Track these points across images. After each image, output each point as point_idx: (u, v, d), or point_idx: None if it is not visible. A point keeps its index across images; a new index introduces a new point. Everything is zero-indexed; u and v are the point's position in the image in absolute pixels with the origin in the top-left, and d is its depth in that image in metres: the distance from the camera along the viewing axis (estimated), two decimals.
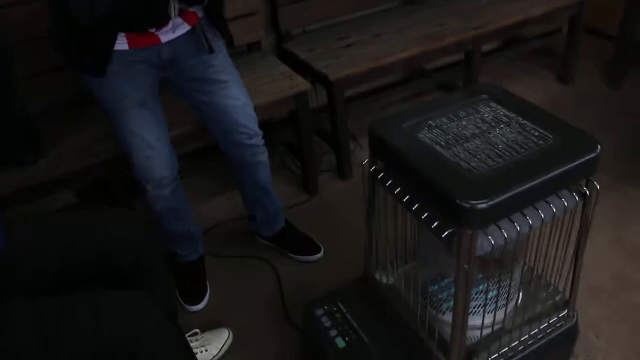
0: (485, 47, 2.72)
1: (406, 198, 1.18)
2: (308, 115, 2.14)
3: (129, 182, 2.02)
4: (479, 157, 1.16)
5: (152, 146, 1.60)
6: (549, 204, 1.13)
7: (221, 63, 1.69)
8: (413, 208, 1.16)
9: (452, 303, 1.22)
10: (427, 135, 1.24)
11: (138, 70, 1.58)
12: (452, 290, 1.22)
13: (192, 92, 1.70)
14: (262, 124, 1.85)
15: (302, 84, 2.08)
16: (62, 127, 2.00)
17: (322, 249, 2.02)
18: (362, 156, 2.48)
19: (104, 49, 1.50)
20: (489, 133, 1.24)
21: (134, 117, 1.59)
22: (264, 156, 1.83)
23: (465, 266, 1.09)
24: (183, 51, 1.61)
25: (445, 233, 1.08)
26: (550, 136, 1.20)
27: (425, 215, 1.13)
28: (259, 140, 1.78)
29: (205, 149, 2.24)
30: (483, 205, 1.03)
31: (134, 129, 1.59)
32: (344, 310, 1.51)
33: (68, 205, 2.30)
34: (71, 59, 1.62)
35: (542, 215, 1.12)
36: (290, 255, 2.03)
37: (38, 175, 1.81)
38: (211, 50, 1.62)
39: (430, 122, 1.28)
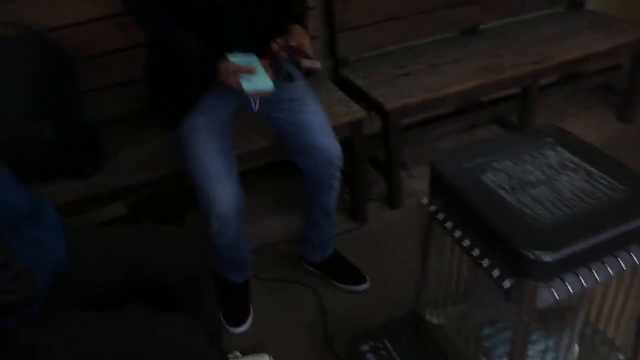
0: (543, 81, 2.66)
1: (466, 242, 1.16)
2: (362, 143, 2.13)
3: (182, 196, 2.06)
4: (544, 205, 1.12)
5: (220, 183, 1.61)
6: (617, 259, 1.09)
7: (300, 85, 1.74)
8: (473, 254, 1.13)
9: (505, 349, 1.18)
10: (491, 179, 1.21)
11: (216, 106, 1.66)
12: (507, 336, 1.18)
13: (271, 112, 1.73)
14: None
15: (358, 111, 2.07)
16: (123, 140, 2.04)
17: (368, 280, 1.99)
18: (413, 186, 2.46)
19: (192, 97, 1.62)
20: (556, 180, 1.20)
21: (207, 152, 1.63)
22: (338, 180, 1.82)
23: (526, 319, 1.05)
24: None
25: (508, 285, 1.04)
26: (620, 187, 1.16)
27: (485, 263, 1.10)
28: (338, 161, 1.76)
29: (264, 168, 2.26)
30: (549, 258, 1.00)
31: (205, 165, 1.62)
32: (391, 349, 1.48)
33: (119, 216, 2.34)
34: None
35: (610, 271, 1.07)
36: (336, 283, 2.01)
37: (97, 187, 1.85)
38: (292, 79, 1.67)
39: (494, 164, 1.25)
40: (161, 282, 1.35)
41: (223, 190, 1.60)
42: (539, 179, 1.20)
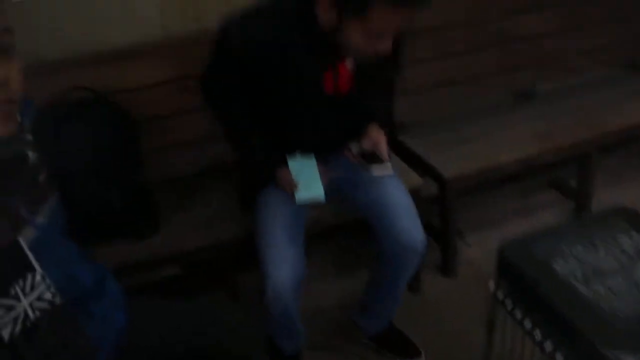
0: None
1: (536, 334, 1.11)
2: (419, 210, 2.10)
3: (237, 259, 2.06)
4: (622, 297, 1.08)
5: (283, 258, 1.60)
6: None
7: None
8: (544, 347, 1.08)
9: None
10: (562, 266, 1.17)
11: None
12: None
13: (349, 191, 1.74)
14: None
15: (415, 179, 2.06)
16: (180, 202, 2.07)
17: (423, 354, 1.94)
18: (467, 254, 2.40)
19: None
20: (632, 269, 1.15)
21: (275, 225, 1.64)
22: (416, 265, 1.77)
23: None
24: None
25: None
26: None
27: (558, 358, 1.05)
28: (422, 247, 1.70)
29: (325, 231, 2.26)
30: (631, 358, 0.95)
31: (271, 237, 1.63)
32: None
33: (171, 276, 2.35)
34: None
35: None
36: (390, 356, 1.96)
37: (153, 249, 1.86)
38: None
39: (564, 249, 1.21)
40: (218, 354, 1.34)
41: (284, 265, 1.59)
42: (614, 268, 1.16)
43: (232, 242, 1.90)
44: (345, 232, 2.03)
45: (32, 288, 0.92)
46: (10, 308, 0.87)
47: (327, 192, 1.64)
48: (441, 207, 2.20)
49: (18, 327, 0.87)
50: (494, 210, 2.68)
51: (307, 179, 1.58)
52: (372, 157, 1.56)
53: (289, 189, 1.60)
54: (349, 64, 1.57)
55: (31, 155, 1.02)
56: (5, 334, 0.85)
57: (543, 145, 2.29)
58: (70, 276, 1.11)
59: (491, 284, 1.26)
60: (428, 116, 2.50)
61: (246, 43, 1.50)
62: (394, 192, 1.72)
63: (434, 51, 2.39)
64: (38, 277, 0.93)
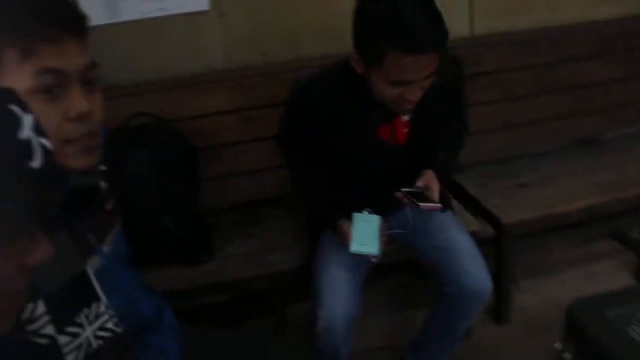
0: None
1: None
2: None
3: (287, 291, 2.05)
4: None
5: (340, 296, 1.61)
6: None
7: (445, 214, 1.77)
8: None
9: None
10: (638, 332, 1.10)
11: None
12: None
13: (416, 239, 1.75)
14: None
15: (471, 222, 2.01)
16: (236, 230, 2.08)
17: None
18: (520, 301, 2.32)
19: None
20: None
21: (338, 262, 1.67)
22: (479, 311, 1.75)
23: None
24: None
25: None
26: None
27: None
28: (487, 293, 1.69)
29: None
30: None
31: (330, 275, 1.65)
32: None
33: (217, 302, 2.35)
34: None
35: None
36: None
37: (206, 277, 1.88)
38: (445, 209, 1.70)
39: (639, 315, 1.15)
40: None
41: (340, 297, 1.60)
42: None
43: (286, 274, 1.90)
44: (400, 270, 2.00)
45: (97, 317, 0.93)
46: (75, 336, 0.88)
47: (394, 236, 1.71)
48: (497, 252, 2.14)
49: (81, 356, 0.88)
50: (549, 256, 2.60)
51: (367, 235, 1.61)
52: (422, 198, 1.59)
53: (345, 240, 1.62)
54: (404, 117, 1.61)
55: (102, 185, 1.03)
56: None
57: (607, 195, 2.21)
58: (130, 304, 1.12)
59: (558, 345, 1.20)
60: (487, 158, 2.45)
61: (311, 101, 1.59)
62: (460, 238, 1.73)
63: (497, 93, 2.36)
64: (102, 307, 0.94)
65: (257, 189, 2.19)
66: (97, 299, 0.94)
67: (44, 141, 0.56)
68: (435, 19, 1.36)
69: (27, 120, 0.55)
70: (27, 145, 0.54)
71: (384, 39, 1.34)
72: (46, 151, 0.56)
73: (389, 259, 1.92)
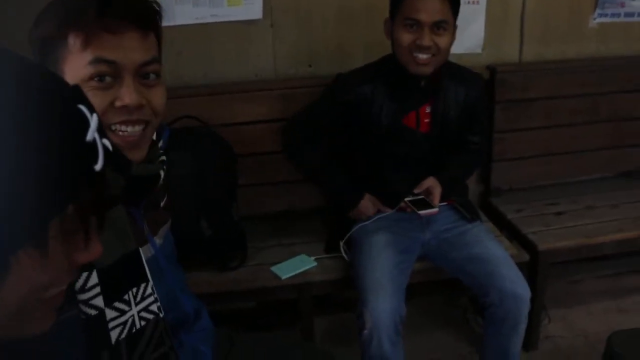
0: None
1: None
2: None
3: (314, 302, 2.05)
4: None
5: (385, 295, 1.64)
6: None
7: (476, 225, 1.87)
8: None
9: None
10: None
11: (402, 227, 1.86)
12: None
13: (450, 252, 1.81)
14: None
15: (508, 248, 1.99)
16: (269, 239, 2.10)
17: None
18: (549, 330, 2.29)
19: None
20: None
21: (380, 259, 1.73)
22: (524, 323, 1.76)
23: None
24: (443, 215, 1.88)
25: None
26: None
27: None
28: (527, 296, 1.71)
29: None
30: None
31: (373, 273, 1.69)
32: None
33: (244, 308, 2.37)
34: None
35: None
36: None
37: (237, 282, 1.89)
38: (472, 219, 1.84)
39: None
40: None
41: (385, 295, 1.63)
42: None
43: (316, 283, 1.90)
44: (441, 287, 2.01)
45: (143, 298, 0.94)
46: (122, 312, 0.89)
47: (428, 247, 1.87)
48: (531, 277, 2.11)
49: (125, 332, 0.89)
50: (580, 286, 2.57)
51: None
52: (423, 204, 1.77)
53: (370, 212, 1.86)
54: (428, 108, 1.84)
55: (162, 176, 1.05)
56: (113, 336, 0.87)
57: None
58: (173, 300, 1.14)
59: None
60: (527, 184, 2.45)
61: (349, 85, 1.83)
62: (493, 247, 1.79)
63: (542, 120, 2.35)
64: (149, 289, 0.95)
65: (292, 199, 2.21)
66: (146, 279, 0.95)
67: (106, 142, 0.56)
68: None
69: (93, 122, 0.54)
70: (91, 147, 0.54)
71: None
72: (106, 152, 0.56)
73: (424, 277, 1.95)
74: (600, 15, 2.40)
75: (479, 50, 2.30)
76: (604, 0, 2.37)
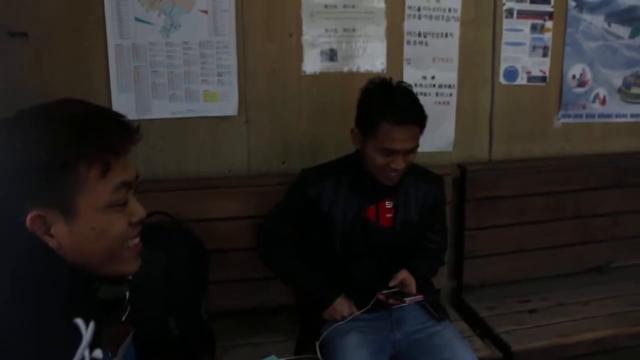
0: None
1: None
2: None
3: None
4: None
5: None
6: None
7: (445, 326, 1.84)
8: None
9: None
10: None
11: (373, 327, 1.84)
12: None
13: (420, 356, 1.78)
14: None
15: (481, 349, 1.97)
16: (239, 336, 2.06)
17: None
18: None
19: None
20: None
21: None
22: None
23: None
24: (412, 315, 1.88)
25: None
26: None
27: None
28: None
29: None
30: None
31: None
32: None
33: None
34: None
35: None
36: None
37: None
38: (441, 319, 1.83)
39: None
40: None
41: None
42: None
43: None
44: None
45: None
46: None
47: (398, 348, 1.84)
48: None
49: None
50: None
51: None
52: (401, 295, 1.76)
53: (345, 312, 1.82)
54: (389, 203, 1.88)
55: (127, 294, 1.02)
56: None
57: (621, 328, 2.18)
58: None
59: None
60: (497, 280, 2.44)
61: (312, 181, 1.88)
62: (461, 351, 1.75)
63: (511, 217, 2.39)
64: None
65: (264, 296, 2.17)
66: None
67: (95, 355, 0.54)
68: (419, 105, 1.75)
69: (86, 336, 0.53)
70: None
71: (379, 114, 1.70)
72: None
73: None
74: (564, 116, 2.51)
75: (450, 149, 2.37)
76: (566, 101, 2.49)
